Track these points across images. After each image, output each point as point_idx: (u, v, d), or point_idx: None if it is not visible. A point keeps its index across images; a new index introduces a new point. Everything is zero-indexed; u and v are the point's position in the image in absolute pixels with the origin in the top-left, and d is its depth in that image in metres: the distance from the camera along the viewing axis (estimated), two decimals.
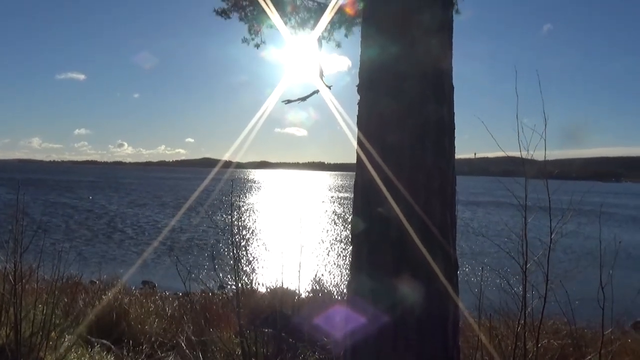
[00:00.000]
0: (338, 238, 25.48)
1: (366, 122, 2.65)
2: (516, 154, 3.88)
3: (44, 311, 4.28)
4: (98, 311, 5.95)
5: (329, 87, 5.82)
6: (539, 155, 3.80)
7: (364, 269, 2.53)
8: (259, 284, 8.17)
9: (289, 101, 5.71)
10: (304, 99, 5.59)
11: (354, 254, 2.64)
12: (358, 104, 2.75)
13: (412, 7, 2.52)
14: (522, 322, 3.88)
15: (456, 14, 5.69)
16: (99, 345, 5.28)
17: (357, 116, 2.74)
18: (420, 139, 2.48)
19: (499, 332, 4.43)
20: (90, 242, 25.12)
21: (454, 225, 2.63)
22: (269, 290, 8.33)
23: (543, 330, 4.03)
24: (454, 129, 2.66)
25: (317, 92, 5.48)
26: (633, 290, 4.40)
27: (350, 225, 2.72)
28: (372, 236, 2.52)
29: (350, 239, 2.72)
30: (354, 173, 2.72)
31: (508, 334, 4.35)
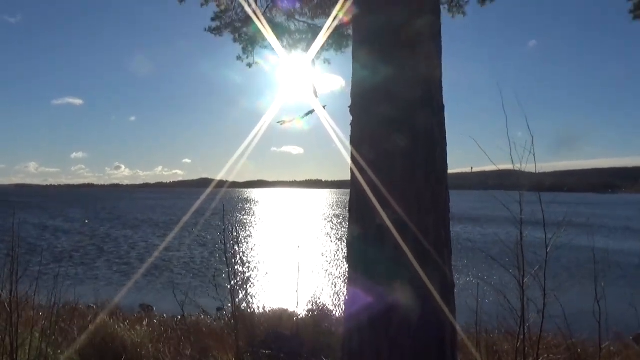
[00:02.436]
0: (336, 256, 25.34)
1: (359, 141, 2.68)
2: (506, 167, 3.90)
3: (40, 339, 4.22)
4: (94, 336, 5.87)
5: (324, 107, 5.87)
6: (532, 168, 3.81)
7: (360, 288, 2.53)
8: (257, 305, 8.09)
9: (283, 122, 5.75)
10: (300, 118, 5.63)
11: (351, 273, 2.65)
12: (351, 124, 2.79)
13: (400, 19, 2.58)
14: (522, 337, 3.86)
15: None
16: None
17: (350, 135, 2.78)
18: (411, 156, 2.51)
19: (498, 347, 4.41)
20: (86, 266, 24.87)
21: (449, 242, 2.64)
22: (267, 311, 8.25)
23: (542, 344, 4.01)
24: (446, 144, 2.69)
25: (312, 112, 5.52)
26: (630, 300, 4.40)
27: (346, 244, 2.73)
28: (368, 255, 2.53)
29: (346, 258, 2.73)
30: None
31: (508, 349, 4.32)
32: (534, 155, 3.57)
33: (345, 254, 2.73)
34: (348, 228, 2.72)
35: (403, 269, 2.40)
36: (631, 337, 8.08)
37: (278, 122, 5.76)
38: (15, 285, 4.03)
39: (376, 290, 2.45)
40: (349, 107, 2.82)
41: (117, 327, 6.52)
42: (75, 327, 5.86)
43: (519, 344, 3.87)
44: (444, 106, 2.73)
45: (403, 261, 2.40)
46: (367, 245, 2.53)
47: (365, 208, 2.52)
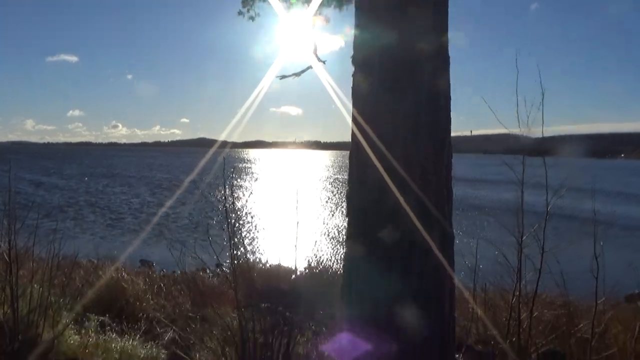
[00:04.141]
0: (334, 213, 25.59)
1: (362, 100, 2.62)
2: (514, 130, 3.87)
3: (40, 289, 4.28)
4: (95, 288, 5.96)
5: (324, 62, 5.73)
6: (535, 132, 3.79)
7: (360, 245, 2.53)
8: (256, 260, 8.21)
9: (283, 77, 5.64)
10: (298, 74, 5.52)
11: (350, 227, 2.65)
12: (353, 75, 2.71)
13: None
14: (517, 293, 3.92)
15: None
16: (97, 322, 5.32)
17: (352, 88, 2.70)
18: (416, 114, 2.46)
19: (494, 303, 4.50)
20: (87, 222, 25.15)
21: (450, 199, 2.63)
22: (266, 266, 8.37)
23: (537, 302, 4.09)
24: (450, 100, 2.63)
25: (310, 67, 5.40)
26: (625, 262, 4.45)
27: (345, 197, 2.71)
28: (368, 212, 2.51)
29: (345, 212, 2.72)
30: None
31: (503, 305, 4.41)
32: (542, 112, 3.51)
33: (344, 209, 2.72)
34: (348, 185, 2.69)
35: (403, 225, 2.40)
36: (624, 297, 8.27)
37: (277, 77, 5.65)
38: (13, 235, 4.04)
39: (375, 244, 2.45)
40: (351, 57, 2.74)
41: (120, 279, 6.63)
42: (76, 279, 5.95)
43: (514, 300, 3.94)
44: (449, 62, 2.65)
45: (403, 217, 2.39)
46: (367, 201, 2.52)
47: (366, 167, 2.49)
